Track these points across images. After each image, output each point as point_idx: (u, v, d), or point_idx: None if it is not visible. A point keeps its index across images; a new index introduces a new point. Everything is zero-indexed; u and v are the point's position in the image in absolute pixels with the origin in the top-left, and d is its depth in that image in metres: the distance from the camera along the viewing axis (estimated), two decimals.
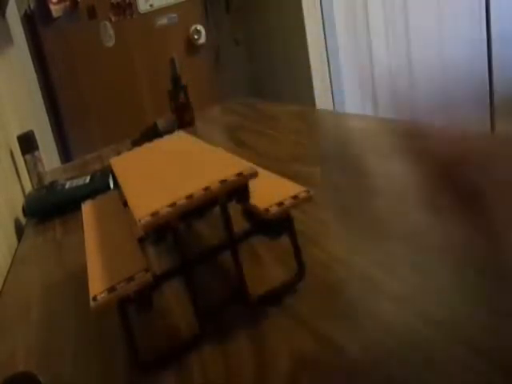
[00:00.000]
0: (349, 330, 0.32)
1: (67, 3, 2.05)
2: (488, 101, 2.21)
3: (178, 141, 0.48)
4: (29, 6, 2.00)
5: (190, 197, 0.31)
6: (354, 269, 0.38)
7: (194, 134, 1.05)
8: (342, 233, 0.45)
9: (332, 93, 2.00)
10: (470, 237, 0.38)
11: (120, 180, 0.41)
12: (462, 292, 0.32)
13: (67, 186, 0.77)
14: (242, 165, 0.34)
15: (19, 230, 0.80)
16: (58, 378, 0.36)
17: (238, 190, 0.33)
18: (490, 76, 2.18)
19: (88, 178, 0.78)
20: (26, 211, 0.77)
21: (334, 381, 0.28)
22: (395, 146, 0.61)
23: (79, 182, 0.78)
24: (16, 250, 0.68)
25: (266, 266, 0.42)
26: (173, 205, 0.31)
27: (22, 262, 0.62)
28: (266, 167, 0.67)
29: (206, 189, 0.32)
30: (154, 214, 0.30)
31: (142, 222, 0.30)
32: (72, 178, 0.80)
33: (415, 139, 0.61)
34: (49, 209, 0.74)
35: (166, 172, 0.39)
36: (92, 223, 0.44)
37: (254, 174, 0.33)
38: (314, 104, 1.95)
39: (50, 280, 0.52)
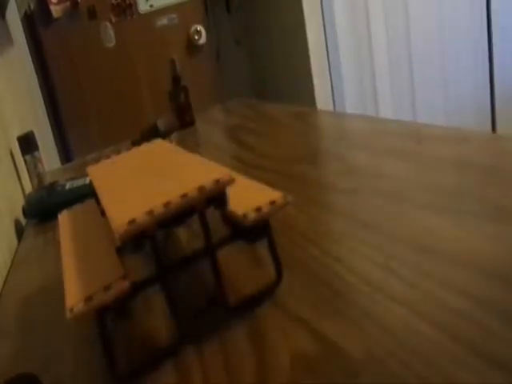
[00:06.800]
0: (349, 330, 0.32)
1: (67, 4, 2.05)
2: (489, 101, 2.20)
3: (156, 148, 0.48)
4: (29, 7, 2.00)
5: (167, 204, 0.31)
6: (355, 269, 0.38)
7: (195, 134, 1.05)
8: (342, 233, 0.45)
9: (332, 93, 2.00)
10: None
11: (97, 189, 0.41)
12: (463, 295, 0.32)
13: (67, 187, 0.77)
14: (220, 171, 0.34)
15: (19, 231, 0.80)
16: (59, 378, 0.36)
17: (216, 197, 0.33)
18: (490, 75, 2.17)
19: (88, 179, 0.78)
20: (26, 212, 0.77)
21: (334, 381, 0.28)
22: (395, 147, 0.61)
23: (79, 182, 0.78)
24: (16, 251, 0.68)
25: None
26: (150, 212, 0.31)
27: (22, 263, 0.62)
28: (265, 168, 0.67)
29: (184, 196, 0.32)
30: (131, 223, 0.30)
31: (120, 230, 0.30)
32: (72, 179, 0.80)
33: (416, 140, 0.61)
34: (49, 209, 0.74)
35: (144, 180, 0.39)
36: (69, 234, 0.43)
37: (232, 181, 0.33)
38: (314, 104, 1.95)
39: (50, 280, 0.52)
